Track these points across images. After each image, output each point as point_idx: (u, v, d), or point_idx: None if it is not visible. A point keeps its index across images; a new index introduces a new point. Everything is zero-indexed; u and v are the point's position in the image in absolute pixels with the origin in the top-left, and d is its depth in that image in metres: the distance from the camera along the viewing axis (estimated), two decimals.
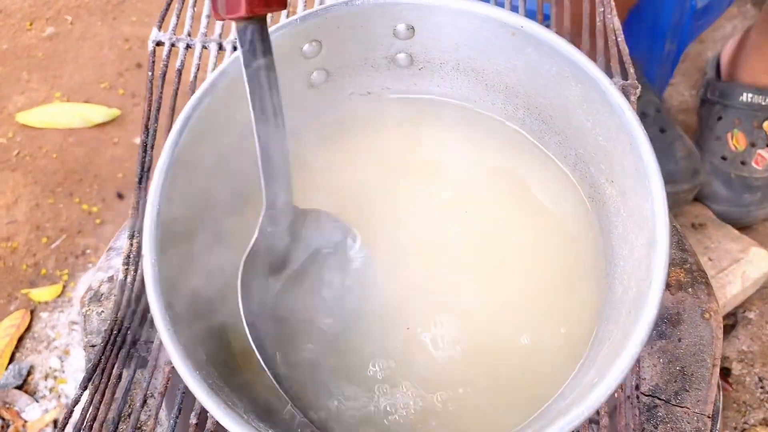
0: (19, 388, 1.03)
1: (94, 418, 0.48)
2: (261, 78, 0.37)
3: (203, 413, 0.49)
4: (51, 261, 1.15)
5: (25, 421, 1.00)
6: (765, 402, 0.96)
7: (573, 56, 0.42)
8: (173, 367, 0.48)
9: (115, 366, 0.49)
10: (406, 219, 0.48)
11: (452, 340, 0.44)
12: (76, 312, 1.09)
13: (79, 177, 1.24)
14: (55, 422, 0.99)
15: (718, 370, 0.52)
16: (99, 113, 1.29)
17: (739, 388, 0.98)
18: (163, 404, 0.49)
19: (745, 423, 0.95)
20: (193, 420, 0.47)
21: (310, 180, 0.47)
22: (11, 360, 1.06)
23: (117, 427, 0.48)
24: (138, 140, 1.26)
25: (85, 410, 0.48)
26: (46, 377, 1.04)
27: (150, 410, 0.50)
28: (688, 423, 0.50)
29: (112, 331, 0.50)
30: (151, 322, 0.51)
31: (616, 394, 0.49)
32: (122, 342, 0.50)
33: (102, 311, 0.52)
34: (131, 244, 0.53)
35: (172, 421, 0.47)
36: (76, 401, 0.48)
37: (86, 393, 0.49)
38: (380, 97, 0.52)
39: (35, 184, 1.23)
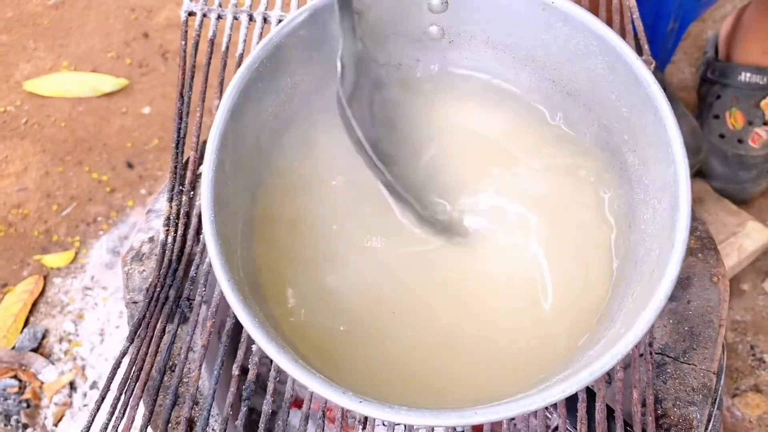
0: (35, 351, 1.06)
1: (140, 369, 0.50)
2: None
3: (244, 365, 0.52)
4: (62, 228, 1.17)
5: (42, 383, 1.02)
6: (756, 369, 1.01)
7: (601, 31, 0.44)
8: (213, 322, 0.51)
9: (159, 321, 0.52)
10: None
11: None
12: (89, 278, 1.11)
13: (88, 146, 1.25)
14: (71, 384, 1.02)
15: (724, 330, 0.55)
16: (107, 83, 1.30)
17: (732, 356, 1.02)
18: (205, 358, 0.52)
19: (737, 389, 1.00)
20: (235, 371, 0.50)
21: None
22: (26, 324, 1.08)
23: (162, 378, 0.51)
24: (147, 110, 1.28)
25: (132, 361, 0.50)
26: (60, 340, 1.07)
27: (192, 364, 0.52)
28: (695, 378, 0.54)
29: (155, 288, 0.53)
30: (192, 280, 0.54)
31: (631, 351, 0.52)
32: (165, 299, 0.53)
33: (143, 270, 0.55)
34: (171, 207, 0.55)
35: (216, 372, 0.50)
36: (124, 353, 0.51)
37: (132, 346, 0.51)
38: (410, 68, 0.54)
39: (44, 153, 1.24)
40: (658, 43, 1.14)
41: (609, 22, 0.63)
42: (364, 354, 0.46)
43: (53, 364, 1.04)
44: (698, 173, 1.10)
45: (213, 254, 0.39)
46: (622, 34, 0.63)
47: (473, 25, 0.50)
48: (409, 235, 0.49)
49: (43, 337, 1.07)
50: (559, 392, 0.36)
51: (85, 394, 1.00)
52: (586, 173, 0.50)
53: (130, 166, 1.23)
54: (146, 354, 0.50)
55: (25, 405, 1.00)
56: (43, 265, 1.13)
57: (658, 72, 1.09)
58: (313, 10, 0.46)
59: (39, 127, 1.27)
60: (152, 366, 0.51)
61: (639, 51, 0.62)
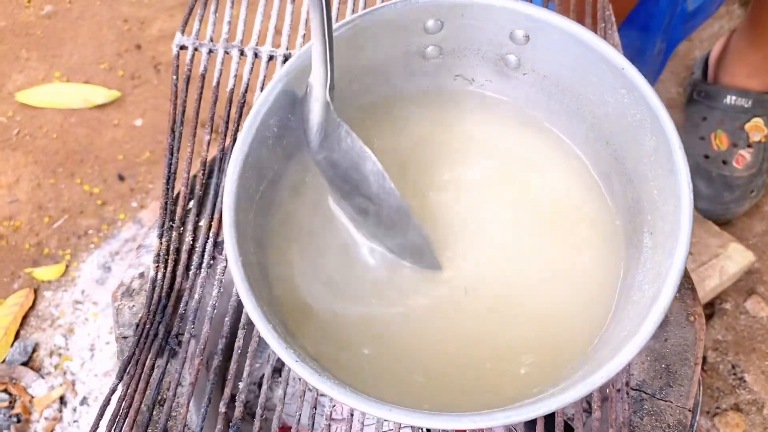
0: (25, 364, 1.06)
1: (129, 406, 0.52)
2: None
3: (231, 402, 0.53)
4: (53, 241, 1.18)
5: (32, 397, 1.03)
6: (736, 388, 1.03)
7: (658, 109, 0.45)
8: (202, 359, 0.52)
9: (148, 357, 0.53)
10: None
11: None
12: (79, 291, 1.12)
13: (80, 158, 1.26)
14: (61, 399, 1.03)
15: (699, 368, 0.57)
16: (99, 94, 1.30)
17: (713, 375, 1.04)
18: (193, 394, 0.53)
19: (717, 408, 1.02)
20: (222, 409, 0.52)
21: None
22: (16, 337, 1.09)
23: (151, 415, 0.52)
24: (139, 122, 1.29)
25: (121, 399, 0.52)
26: (50, 354, 1.08)
27: (180, 398, 0.54)
28: (671, 416, 0.55)
29: (144, 324, 0.54)
30: (181, 316, 0.55)
31: (607, 390, 0.54)
32: (154, 335, 0.54)
33: (133, 305, 0.56)
34: (161, 243, 0.56)
35: (203, 410, 0.51)
36: (113, 390, 0.52)
37: (121, 383, 0.53)
38: (482, 86, 0.56)
39: (36, 164, 1.25)
40: (646, 65, 1.16)
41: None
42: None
43: (43, 378, 1.05)
44: None
45: (243, 293, 0.41)
46: None
47: (547, 65, 0.51)
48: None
49: (34, 350, 1.08)
50: (523, 413, 0.38)
51: (75, 409, 1.01)
52: (604, 245, 0.52)
53: (121, 178, 1.24)
54: (135, 391, 0.51)
55: (15, 419, 1.01)
56: (34, 278, 1.14)
57: None
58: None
59: (31, 138, 1.27)
60: (141, 402, 0.52)
61: None
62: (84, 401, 1.01)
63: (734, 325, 1.08)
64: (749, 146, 1.10)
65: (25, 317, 1.11)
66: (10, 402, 1.02)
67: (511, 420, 0.38)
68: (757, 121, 1.10)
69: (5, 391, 1.03)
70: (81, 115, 1.29)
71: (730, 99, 1.10)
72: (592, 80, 0.49)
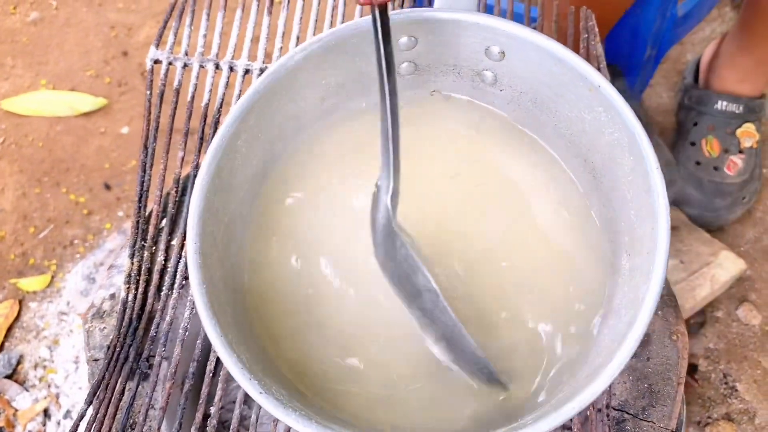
0: (9, 377, 1.05)
1: (99, 431, 0.50)
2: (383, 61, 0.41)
3: (203, 426, 0.52)
4: (39, 251, 1.17)
5: (16, 410, 1.02)
6: (728, 397, 1.02)
7: (635, 129, 0.44)
8: (173, 382, 0.51)
9: (119, 381, 0.52)
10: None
11: None
12: (65, 302, 1.11)
13: (65, 166, 1.24)
14: (45, 411, 1.01)
15: (682, 387, 0.56)
16: (86, 102, 1.29)
17: (705, 384, 1.03)
18: (165, 418, 0.52)
19: (709, 417, 1.00)
20: None
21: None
22: (1, 349, 1.08)
23: None
24: (125, 130, 1.28)
25: (90, 424, 0.50)
26: (35, 367, 1.06)
27: (152, 422, 0.52)
28: None
29: (115, 347, 0.53)
30: (152, 339, 0.54)
31: (588, 411, 0.53)
32: (125, 358, 0.53)
33: (104, 327, 0.55)
34: (132, 263, 0.55)
35: None
36: (82, 416, 0.51)
37: (91, 407, 0.51)
38: (458, 102, 0.55)
39: (21, 173, 1.24)
40: (636, 70, 1.15)
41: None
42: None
43: (28, 391, 1.04)
44: (673, 202, 1.10)
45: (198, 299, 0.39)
46: None
47: (524, 82, 0.51)
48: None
49: (18, 363, 1.07)
50: None
51: (58, 423, 1.00)
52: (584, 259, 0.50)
53: (107, 187, 1.22)
54: (105, 416, 0.50)
55: None
56: (19, 289, 1.13)
57: (636, 104, 1.10)
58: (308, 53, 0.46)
59: (16, 146, 1.26)
60: (111, 427, 0.51)
61: None
62: (68, 414, 1.00)
63: (726, 334, 1.07)
64: (741, 152, 1.09)
65: (9, 329, 1.10)
66: None
67: None
68: (749, 126, 1.09)
69: None
70: (67, 123, 1.28)
71: (721, 104, 1.09)
72: (569, 97, 0.48)
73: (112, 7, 1.41)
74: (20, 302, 1.12)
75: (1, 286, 1.14)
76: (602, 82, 0.45)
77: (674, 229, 1.07)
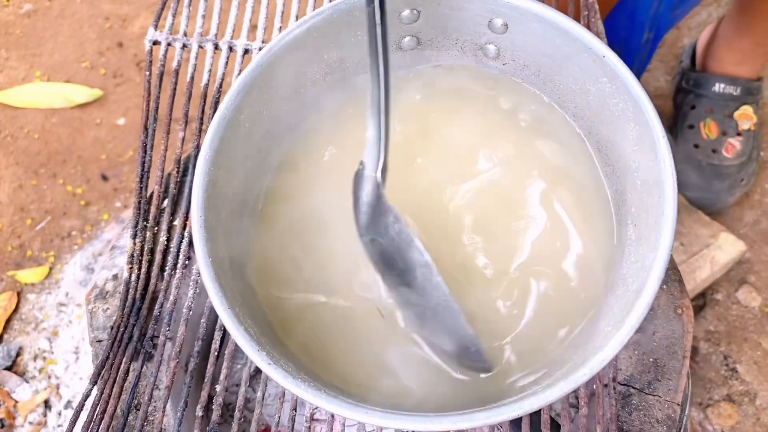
0: (9, 369, 1.05)
1: (104, 411, 0.50)
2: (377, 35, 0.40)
3: (208, 406, 0.51)
4: (36, 243, 1.16)
5: (16, 402, 1.01)
6: (729, 379, 1.02)
7: (640, 97, 0.44)
8: (178, 362, 0.51)
9: (123, 361, 0.52)
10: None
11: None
12: (63, 294, 1.10)
13: (62, 158, 1.24)
14: (46, 402, 1.01)
15: (688, 361, 0.56)
16: (81, 93, 1.28)
17: (705, 366, 1.03)
18: (170, 397, 0.51)
19: (710, 399, 1.01)
20: (198, 412, 0.50)
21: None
22: (0, 341, 1.07)
23: (126, 420, 0.50)
24: (122, 121, 1.27)
25: (95, 404, 0.50)
26: (35, 358, 1.06)
27: (157, 403, 0.52)
28: (660, 410, 0.54)
29: (119, 327, 0.52)
30: (156, 319, 0.53)
31: (594, 385, 0.53)
32: (129, 338, 0.52)
33: (107, 308, 0.54)
34: (135, 244, 0.55)
35: (179, 414, 0.50)
36: (87, 395, 0.50)
37: (96, 387, 0.51)
38: (459, 75, 0.54)
39: (17, 165, 1.23)
40: (633, 54, 1.14)
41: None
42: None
43: (28, 382, 1.03)
44: None
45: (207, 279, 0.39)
46: None
47: (527, 54, 0.50)
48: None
49: (18, 354, 1.06)
50: (504, 413, 0.37)
51: (59, 413, 1.00)
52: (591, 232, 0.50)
53: (104, 178, 1.22)
54: (110, 396, 0.50)
55: None
56: (17, 281, 1.12)
57: None
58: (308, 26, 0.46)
59: (12, 139, 1.25)
60: (116, 407, 0.50)
61: None
62: (68, 405, 1.00)
63: (726, 316, 1.07)
64: (739, 134, 1.09)
65: (8, 321, 1.09)
66: None
67: (491, 420, 0.37)
68: (746, 108, 1.09)
69: None
70: (63, 114, 1.27)
71: (719, 87, 1.09)
72: (573, 69, 0.48)
73: None
74: (18, 294, 1.11)
75: None
76: (607, 52, 0.45)
77: None
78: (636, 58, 1.16)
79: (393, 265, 0.45)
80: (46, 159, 1.23)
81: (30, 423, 1.00)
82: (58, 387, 1.02)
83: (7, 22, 1.37)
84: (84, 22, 1.37)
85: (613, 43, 1.13)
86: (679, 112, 1.15)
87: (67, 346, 1.06)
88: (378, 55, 0.41)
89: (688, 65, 1.18)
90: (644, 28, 1.09)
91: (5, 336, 1.08)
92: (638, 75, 1.22)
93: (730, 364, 1.04)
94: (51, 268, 1.13)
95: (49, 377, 1.03)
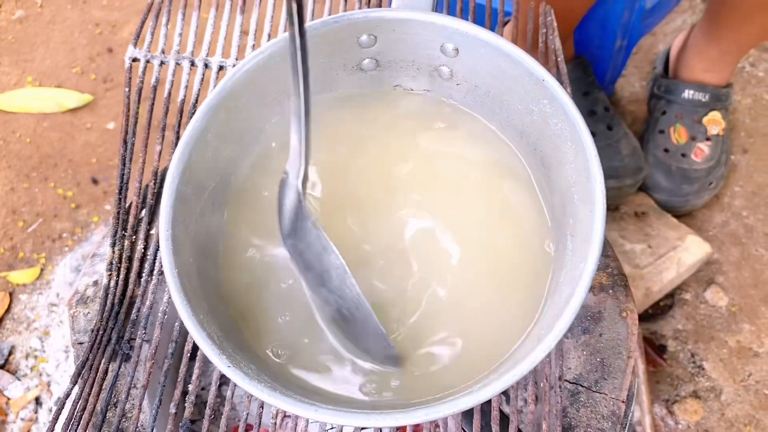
0: (1, 367, 1.09)
1: (84, 409, 0.54)
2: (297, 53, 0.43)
3: (181, 403, 0.55)
4: (28, 244, 1.20)
5: (8, 399, 1.05)
6: (695, 376, 1.06)
7: (575, 119, 0.47)
8: (154, 362, 0.55)
9: (102, 362, 0.55)
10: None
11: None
12: (54, 294, 1.14)
13: (53, 162, 1.27)
14: (37, 399, 1.05)
15: (632, 361, 0.59)
16: (72, 98, 1.32)
17: (673, 363, 1.07)
18: (146, 395, 0.55)
19: (677, 395, 1.05)
20: (172, 409, 0.54)
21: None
22: None
23: (105, 417, 0.54)
24: (111, 126, 1.31)
25: (75, 402, 0.54)
26: (27, 357, 1.10)
27: (134, 400, 0.56)
28: (605, 407, 0.58)
29: (98, 330, 0.56)
30: (134, 322, 0.57)
31: (541, 385, 0.57)
32: (108, 340, 0.56)
33: (88, 312, 0.58)
34: (113, 252, 0.58)
35: (154, 410, 0.54)
36: (68, 395, 0.54)
37: (76, 387, 0.55)
38: (421, 97, 0.58)
39: (9, 169, 1.26)
40: (606, 61, 1.18)
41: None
42: None
43: (19, 380, 1.07)
44: (642, 187, 1.14)
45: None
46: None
47: (477, 76, 0.54)
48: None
49: (10, 353, 1.10)
50: (441, 410, 0.41)
51: (50, 410, 1.04)
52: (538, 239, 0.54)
53: (95, 182, 1.25)
54: (89, 394, 0.54)
55: None
56: (9, 282, 1.16)
57: (603, 93, 1.13)
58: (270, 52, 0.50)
59: (4, 143, 1.29)
60: (95, 405, 0.54)
61: None
62: (59, 402, 1.03)
63: (694, 315, 1.11)
64: (708, 139, 1.13)
65: (1, 320, 1.13)
66: None
67: (430, 417, 0.41)
68: (715, 114, 1.13)
69: None
70: (54, 119, 1.31)
71: (688, 93, 1.13)
72: (518, 90, 0.51)
73: (96, 4, 1.43)
74: (11, 295, 1.15)
75: None
76: (546, 76, 0.48)
77: (643, 214, 1.11)
78: (609, 65, 1.20)
79: (312, 267, 0.49)
80: (38, 162, 1.27)
81: (21, 419, 1.03)
82: (49, 384, 1.06)
83: None
84: (75, 28, 1.40)
85: (585, 51, 1.17)
86: (651, 116, 1.19)
87: (58, 345, 1.09)
88: (298, 69, 0.43)
89: (661, 72, 1.22)
90: (616, 36, 1.13)
91: None
92: (613, 81, 1.25)
93: (697, 361, 1.08)
94: (42, 269, 1.17)
95: (41, 375, 1.07)
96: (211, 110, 0.48)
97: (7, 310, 1.14)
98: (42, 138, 1.29)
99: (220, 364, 0.42)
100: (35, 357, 1.09)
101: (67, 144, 1.29)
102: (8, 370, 1.08)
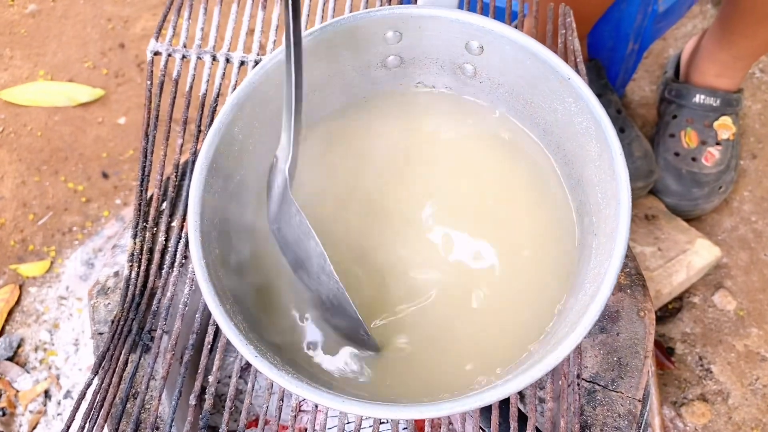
0: (10, 359, 1.09)
1: (104, 399, 0.54)
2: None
3: (201, 396, 0.55)
4: (38, 237, 1.20)
5: (17, 391, 1.05)
6: (703, 379, 1.06)
7: (601, 118, 0.48)
8: (174, 354, 0.55)
9: (122, 352, 0.56)
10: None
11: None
12: (64, 287, 1.14)
13: (64, 155, 1.27)
14: (46, 392, 1.05)
15: (649, 361, 0.60)
16: (83, 93, 1.32)
17: (681, 366, 1.07)
18: (165, 387, 0.55)
19: (684, 398, 1.05)
20: (192, 401, 0.54)
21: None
22: (1, 333, 1.11)
23: (125, 407, 0.54)
24: (122, 120, 1.31)
25: (96, 392, 0.54)
26: (36, 349, 1.10)
27: (153, 392, 0.56)
28: (622, 405, 0.58)
29: (119, 321, 0.56)
30: (154, 313, 0.57)
31: (560, 381, 0.57)
32: (128, 331, 0.56)
33: (108, 303, 0.58)
34: (135, 243, 0.59)
35: (174, 402, 0.54)
36: (89, 384, 0.54)
37: (97, 377, 0.55)
38: (441, 93, 0.59)
39: (20, 162, 1.27)
40: (618, 63, 1.19)
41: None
42: None
43: (28, 372, 1.07)
44: (652, 191, 1.14)
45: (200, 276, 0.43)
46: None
47: (501, 74, 0.54)
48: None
49: (19, 346, 1.10)
50: (466, 404, 0.41)
51: (59, 403, 1.04)
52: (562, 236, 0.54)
53: (105, 176, 1.26)
54: (110, 384, 0.54)
55: (0, 413, 1.03)
56: (19, 275, 1.16)
57: (616, 96, 1.14)
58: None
59: (15, 136, 1.29)
60: (115, 395, 0.54)
61: None
62: (68, 395, 1.04)
63: (702, 318, 1.11)
64: (718, 144, 1.13)
65: (10, 313, 1.13)
66: None
67: (455, 410, 0.41)
68: (726, 119, 1.13)
69: None
70: (65, 113, 1.31)
71: (699, 98, 1.13)
72: (542, 89, 0.52)
73: None
74: (20, 287, 1.15)
75: (1, 272, 1.17)
76: (572, 75, 0.49)
77: (653, 218, 1.11)
78: (621, 68, 1.20)
79: (296, 253, 0.49)
80: (49, 156, 1.27)
81: (30, 411, 1.04)
82: (58, 377, 1.06)
83: (12, 22, 1.40)
84: (87, 23, 1.41)
85: (598, 54, 1.17)
86: (661, 120, 1.20)
87: (67, 338, 1.09)
88: (290, 63, 0.44)
89: (672, 76, 1.22)
90: (629, 39, 1.13)
91: (7, 328, 1.12)
92: (624, 84, 1.26)
93: (705, 364, 1.08)
94: (52, 263, 1.17)
95: (50, 368, 1.07)
96: (238, 104, 0.48)
97: (17, 303, 1.14)
98: (53, 131, 1.29)
99: (248, 354, 0.42)
100: (44, 350, 1.09)
101: (78, 138, 1.29)
102: (17, 363, 1.08)
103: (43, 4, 1.42)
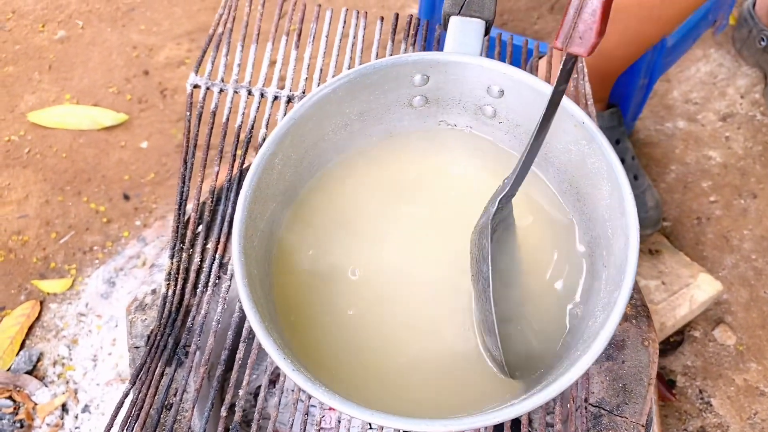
0: (29, 373, 1.12)
1: (140, 409, 0.58)
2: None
3: (231, 408, 0.59)
4: (60, 255, 1.24)
5: (35, 404, 1.08)
6: (703, 412, 1.09)
7: (612, 160, 0.52)
8: (206, 368, 0.59)
9: (158, 366, 0.59)
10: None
11: None
12: (84, 304, 1.18)
13: (87, 177, 1.32)
14: (63, 406, 1.08)
15: (653, 388, 0.63)
16: (108, 117, 1.37)
17: (682, 399, 1.10)
18: (198, 399, 0.59)
19: (685, 430, 1.08)
20: (223, 413, 0.58)
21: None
22: (22, 347, 1.15)
23: (159, 418, 0.58)
24: (144, 145, 1.36)
25: (133, 402, 0.58)
26: (54, 364, 1.13)
27: (186, 404, 0.60)
28: (626, 430, 0.62)
29: (155, 336, 0.60)
30: (189, 330, 0.61)
31: (568, 405, 0.60)
32: (164, 346, 0.60)
33: (146, 318, 0.62)
34: (172, 263, 0.63)
35: (206, 414, 0.57)
36: (126, 394, 0.58)
37: (133, 388, 0.59)
38: (462, 131, 0.63)
39: (45, 182, 1.31)
40: (629, 100, 1.23)
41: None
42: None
43: (47, 386, 1.10)
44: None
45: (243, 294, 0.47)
46: None
47: (519, 116, 0.59)
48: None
49: (38, 360, 1.13)
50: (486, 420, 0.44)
51: (76, 417, 1.07)
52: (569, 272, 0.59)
53: (126, 198, 1.30)
54: (146, 396, 0.57)
55: (18, 425, 1.06)
56: (40, 291, 1.20)
57: (630, 143, 1.19)
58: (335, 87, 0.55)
59: (41, 156, 1.34)
60: (151, 406, 0.58)
61: None
62: (86, 409, 1.07)
63: (703, 352, 1.14)
64: None
65: (30, 328, 1.17)
66: (15, 408, 1.08)
67: (476, 425, 0.45)
68: None
69: (10, 397, 1.09)
70: (89, 136, 1.36)
71: None
72: (558, 131, 0.56)
73: (134, 28, 1.49)
74: (41, 303, 1.19)
75: (23, 288, 1.21)
76: (585, 119, 0.53)
77: (657, 252, 1.15)
78: (631, 102, 1.25)
79: (474, 269, 0.55)
80: (72, 177, 1.32)
81: (47, 425, 1.06)
82: (76, 392, 1.09)
83: (42, 47, 1.46)
84: (113, 50, 1.46)
85: (613, 91, 1.22)
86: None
87: (85, 353, 1.13)
88: (537, 137, 0.50)
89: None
90: (640, 74, 1.18)
91: (27, 342, 1.16)
92: (634, 118, 1.30)
93: (705, 397, 1.11)
94: (73, 280, 1.21)
95: (68, 382, 1.11)
96: (280, 137, 0.53)
97: (38, 318, 1.18)
98: (77, 153, 1.34)
99: (286, 367, 0.45)
100: (62, 364, 1.13)
101: (101, 160, 1.34)
102: (36, 376, 1.12)
103: (71, 30, 1.48)
